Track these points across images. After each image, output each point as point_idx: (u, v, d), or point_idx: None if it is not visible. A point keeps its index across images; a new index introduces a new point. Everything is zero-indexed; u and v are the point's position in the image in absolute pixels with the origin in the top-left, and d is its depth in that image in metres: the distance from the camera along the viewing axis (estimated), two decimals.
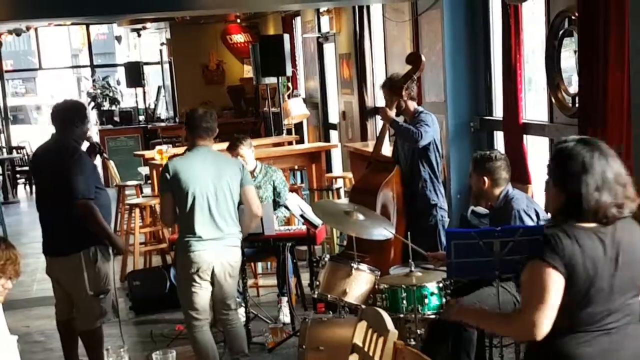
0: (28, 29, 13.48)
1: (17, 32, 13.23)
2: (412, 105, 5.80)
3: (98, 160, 5.57)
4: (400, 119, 5.81)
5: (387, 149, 6.73)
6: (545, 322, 2.65)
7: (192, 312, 4.83)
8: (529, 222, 4.46)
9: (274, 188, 6.47)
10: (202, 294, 4.81)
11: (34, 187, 14.10)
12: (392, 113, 5.69)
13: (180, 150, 9.05)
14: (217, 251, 4.76)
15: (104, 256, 4.94)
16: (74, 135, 4.94)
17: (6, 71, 15.64)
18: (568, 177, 2.74)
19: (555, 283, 2.66)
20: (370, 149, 7.60)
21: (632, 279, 2.73)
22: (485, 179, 4.65)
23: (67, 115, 4.98)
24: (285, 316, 6.09)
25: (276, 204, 6.39)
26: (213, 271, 4.76)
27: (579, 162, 2.74)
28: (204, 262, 4.74)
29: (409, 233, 4.74)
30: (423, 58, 5.83)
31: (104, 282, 4.94)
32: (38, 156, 5.19)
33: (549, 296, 2.66)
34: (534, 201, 4.81)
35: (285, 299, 6.15)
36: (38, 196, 5.21)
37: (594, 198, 2.68)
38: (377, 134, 6.13)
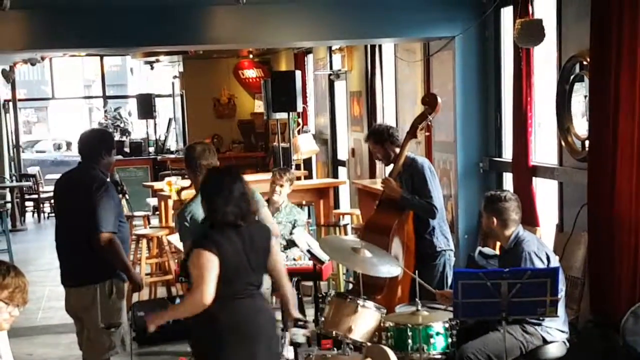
0: (43, 58, 13.60)
1: (32, 62, 13.35)
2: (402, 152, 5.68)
3: None
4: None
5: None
6: (209, 292, 3.61)
7: None
8: (539, 265, 4.45)
9: (293, 227, 6.48)
10: None
11: (47, 214, 14.22)
12: (395, 185, 5.52)
13: (189, 182, 9.08)
14: None
15: (119, 290, 4.90)
16: (100, 166, 4.91)
17: (19, 100, 15.76)
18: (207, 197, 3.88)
19: (212, 262, 3.64)
20: (378, 186, 7.60)
21: (262, 261, 3.88)
22: (495, 219, 4.65)
23: (95, 145, 4.96)
24: (289, 352, 6.04)
25: (290, 243, 6.39)
26: None
27: (216, 185, 3.85)
28: None
29: (416, 271, 4.73)
30: (439, 100, 5.75)
31: (116, 316, 4.89)
32: (62, 184, 5.13)
33: (208, 273, 3.62)
34: (544, 244, 4.80)
35: (287, 334, 6.11)
36: (58, 224, 5.13)
37: (222, 210, 3.78)
38: (390, 171, 6.06)
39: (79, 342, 5.10)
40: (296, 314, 4.14)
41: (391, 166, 5.75)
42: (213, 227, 3.84)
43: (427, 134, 6.36)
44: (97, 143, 4.98)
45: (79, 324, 5.02)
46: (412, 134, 5.63)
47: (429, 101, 5.73)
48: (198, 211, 4.53)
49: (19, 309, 3.18)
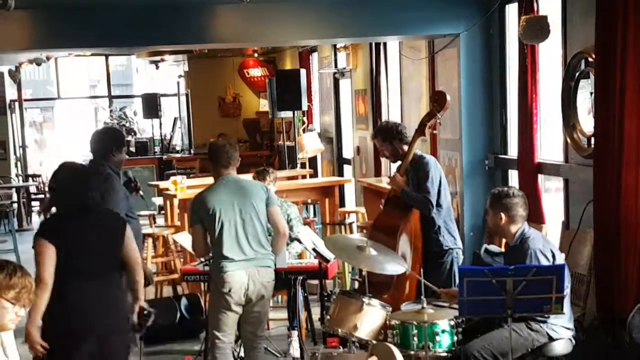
0: (48, 58, 13.62)
1: (38, 62, 13.37)
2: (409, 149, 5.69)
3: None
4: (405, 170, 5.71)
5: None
6: (46, 277, 3.95)
7: (218, 333, 4.93)
8: (544, 262, 4.44)
9: (288, 222, 6.46)
10: (231, 316, 4.92)
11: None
12: (401, 179, 5.53)
13: (195, 181, 9.10)
14: (249, 271, 4.88)
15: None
16: (110, 163, 5.02)
17: (25, 100, 15.79)
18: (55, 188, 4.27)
19: (48, 249, 4.00)
20: (383, 184, 7.60)
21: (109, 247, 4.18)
22: (502, 215, 4.63)
23: (105, 143, 5.07)
24: (295, 350, 6.05)
25: (292, 239, 6.39)
26: (246, 293, 4.87)
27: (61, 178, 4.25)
28: (236, 282, 4.84)
29: (421, 270, 4.72)
30: (448, 97, 5.68)
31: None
32: None
33: (44, 259, 3.99)
34: (549, 241, 4.79)
35: (295, 333, 6.11)
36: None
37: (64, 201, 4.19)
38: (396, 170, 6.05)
39: None
40: (142, 302, 4.29)
41: (398, 163, 5.74)
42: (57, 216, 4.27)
43: (434, 131, 6.33)
44: (108, 141, 5.09)
45: None
46: (420, 131, 5.60)
47: (438, 99, 5.68)
48: (209, 196, 4.90)
49: (25, 309, 3.19)
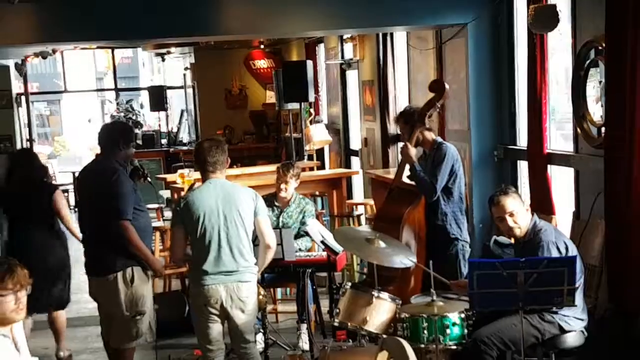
0: (54, 51, 13.60)
1: (43, 55, 13.36)
2: (430, 135, 5.75)
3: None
4: (419, 151, 5.76)
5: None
6: None
7: (206, 345, 4.80)
8: (557, 254, 4.40)
9: (302, 217, 6.43)
10: (213, 326, 4.75)
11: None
12: (414, 152, 5.59)
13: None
14: (226, 286, 4.66)
15: (141, 277, 4.94)
16: (117, 157, 5.01)
17: (31, 93, 15.79)
18: None
19: None
20: (392, 176, 7.56)
21: None
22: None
23: (113, 137, 5.07)
24: (304, 343, 6.04)
25: (301, 233, 6.36)
26: (223, 306, 4.68)
27: None
28: (212, 296, 4.66)
29: (430, 262, 4.70)
30: (447, 86, 5.81)
31: (140, 303, 4.95)
32: (81, 177, 5.33)
33: None
34: (562, 233, 4.75)
35: (304, 326, 6.11)
36: (80, 217, 5.30)
37: None
38: (399, 161, 6.09)
39: (102, 331, 5.16)
40: None
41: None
42: None
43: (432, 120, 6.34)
44: (116, 135, 5.09)
45: (102, 311, 5.12)
46: (421, 121, 5.65)
47: (437, 88, 5.76)
48: (194, 199, 4.67)
49: (26, 290, 3.17)
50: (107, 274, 4.91)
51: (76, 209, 7.12)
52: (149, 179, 5.47)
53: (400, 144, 5.94)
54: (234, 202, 4.70)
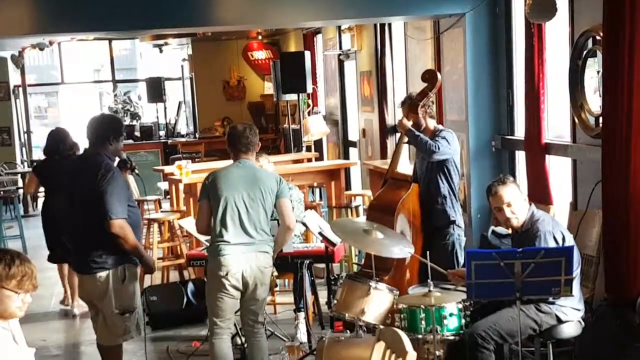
0: (51, 43, 13.57)
1: (40, 47, 13.32)
2: (432, 123, 5.79)
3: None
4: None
5: (408, 168, 6.70)
6: None
7: (216, 319, 4.89)
8: (554, 244, 4.40)
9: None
10: (228, 301, 4.87)
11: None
12: (408, 123, 5.68)
13: (200, 165, 9.07)
14: (246, 255, 4.84)
15: (132, 274, 4.90)
16: (107, 151, 4.89)
17: (29, 85, 15.76)
18: None
19: None
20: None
21: None
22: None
23: (103, 131, 4.93)
24: (302, 334, 6.04)
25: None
26: (243, 276, 4.82)
27: None
28: (233, 265, 4.81)
29: (428, 252, 4.70)
30: (439, 75, 5.84)
31: (130, 301, 4.90)
32: (70, 171, 5.13)
33: None
34: (559, 223, 4.75)
35: (302, 315, 6.11)
36: (67, 212, 5.08)
37: None
38: (393, 152, 6.11)
39: (94, 327, 5.12)
40: None
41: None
42: None
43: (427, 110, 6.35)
44: (105, 129, 4.96)
45: (93, 309, 5.03)
46: (413, 111, 5.67)
47: (429, 77, 5.78)
48: (220, 176, 4.91)
49: (30, 294, 3.17)
50: (98, 272, 4.82)
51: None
52: (136, 171, 5.43)
53: (398, 135, 5.96)
54: (257, 182, 4.91)
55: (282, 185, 4.99)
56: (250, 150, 5.01)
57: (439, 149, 5.53)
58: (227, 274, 4.80)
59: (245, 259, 4.83)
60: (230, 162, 5.16)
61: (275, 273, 5.23)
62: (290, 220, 4.97)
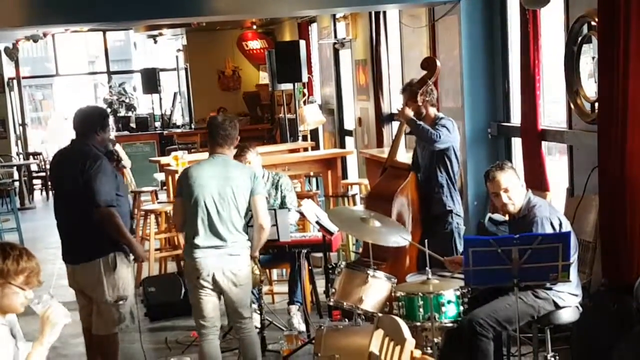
0: (45, 35, 13.53)
1: (34, 39, 13.28)
2: (433, 111, 5.79)
3: None
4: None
5: (404, 157, 6.70)
6: None
7: (199, 320, 4.85)
8: (551, 230, 4.40)
9: (281, 192, 6.39)
10: (207, 300, 4.80)
11: (50, 192, 14.27)
12: (410, 112, 5.66)
13: (196, 156, 9.05)
14: (217, 259, 4.72)
15: (123, 263, 4.91)
16: (94, 142, 4.90)
17: (23, 77, 15.71)
18: None
19: None
20: (386, 155, 7.56)
21: None
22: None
23: (89, 121, 4.95)
24: (299, 324, 6.04)
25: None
26: (215, 279, 4.74)
27: None
28: (204, 269, 4.72)
29: (426, 240, 4.70)
30: (438, 63, 5.84)
31: (122, 289, 4.92)
32: (57, 161, 5.16)
33: None
34: (556, 209, 4.75)
35: (295, 307, 6.08)
36: (56, 202, 5.17)
37: None
38: (392, 141, 6.11)
39: (81, 317, 5.13)
40: None
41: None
42: None
43: (426, 98, 6.34)
44: (92, 120, 4.97)
45: (82, 298, 5.06)
46: (413, 99, 5.66)
47: (428, 65, 5.78)
48: (192, 173, 4.79)
49: (34, 291, 3.16)
50: (89, 260, 4.84)
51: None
52: (123, 163, 5.40)
53: (395, 123, 5.96)
54: (230, 179, 4.76)
55: (256, 181, 4.83)
56: (226, 143, 4.82)
57: (440, 137, 5.53)
58: (198, 278, 4.74)
59: (216, 263, 4.71)
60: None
61: (257, 271, 5.04)
62: (263, 219, 4.80)
